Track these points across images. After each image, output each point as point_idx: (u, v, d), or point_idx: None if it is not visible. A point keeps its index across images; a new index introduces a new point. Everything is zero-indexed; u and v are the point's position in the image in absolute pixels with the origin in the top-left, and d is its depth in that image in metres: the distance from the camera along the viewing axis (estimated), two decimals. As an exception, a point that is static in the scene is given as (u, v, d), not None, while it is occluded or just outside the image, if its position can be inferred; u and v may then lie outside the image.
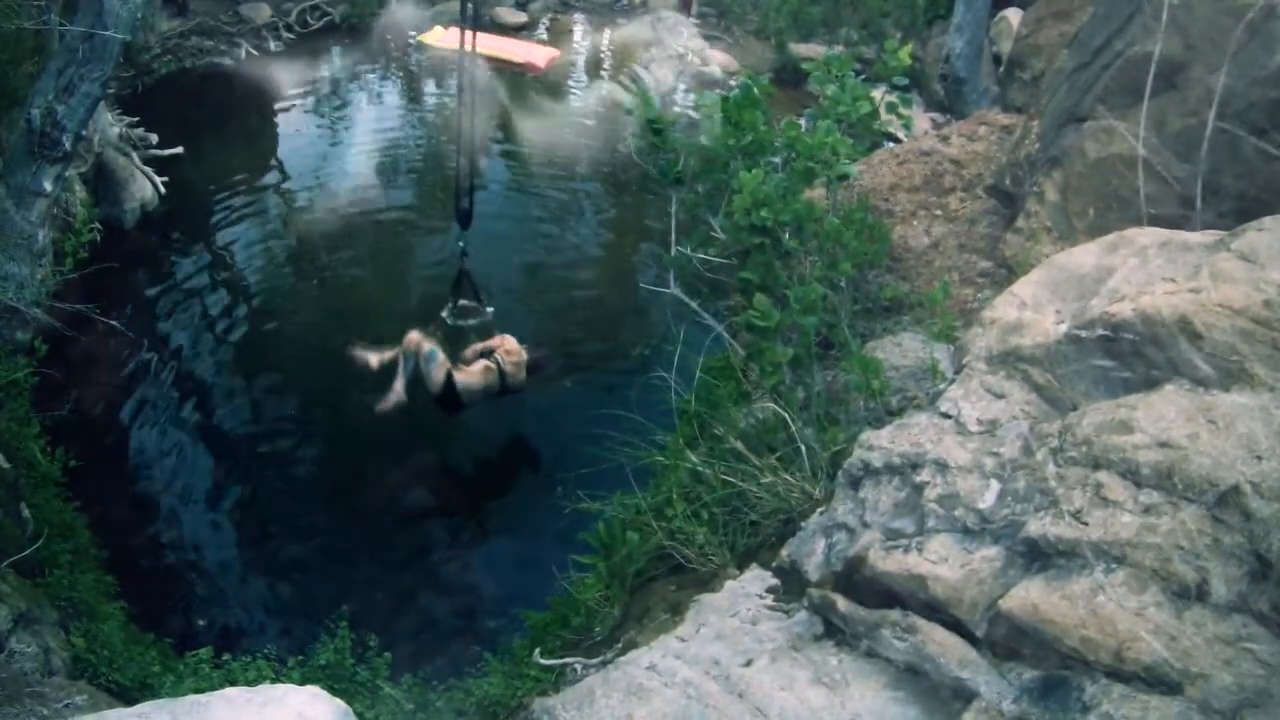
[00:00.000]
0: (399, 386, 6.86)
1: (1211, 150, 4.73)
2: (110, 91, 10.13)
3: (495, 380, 6.79)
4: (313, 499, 7.33)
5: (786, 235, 5.46)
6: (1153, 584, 2.41)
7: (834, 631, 3.22)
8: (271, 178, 11.49)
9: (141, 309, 8.91)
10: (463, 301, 6.99)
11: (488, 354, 6.81)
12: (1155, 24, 5.03)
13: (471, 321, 6.95)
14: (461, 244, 6.72)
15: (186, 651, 5.42)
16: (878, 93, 5.97)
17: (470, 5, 6.68)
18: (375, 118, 12.98)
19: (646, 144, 6.27)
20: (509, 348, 6.86)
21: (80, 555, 5.96)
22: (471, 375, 6.72)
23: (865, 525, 3.30)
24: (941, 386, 3.59)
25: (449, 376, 6.63)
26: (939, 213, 7.16)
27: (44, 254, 7.22)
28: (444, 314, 7.01)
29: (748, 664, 3.21)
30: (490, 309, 7.04)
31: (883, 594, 3.01)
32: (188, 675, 5.05)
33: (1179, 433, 2.56)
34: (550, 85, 13.78)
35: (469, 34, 6.47)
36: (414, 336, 6.81)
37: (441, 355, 6.69)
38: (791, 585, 3.69)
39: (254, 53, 13.83)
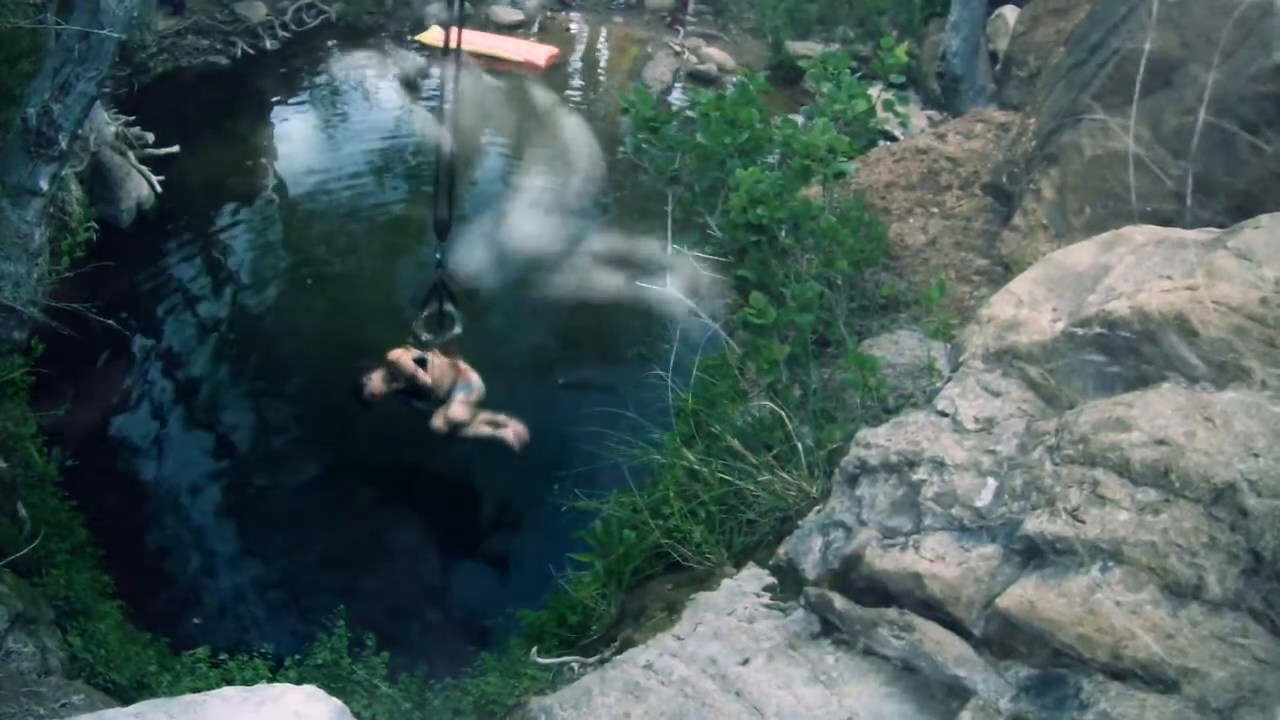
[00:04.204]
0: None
1: (1204, 146, 4.73)
2: (106, 90, 10.10)
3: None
4: (310, 498, 7.32)
5: (783, 233, 5.46)
6: (1149, 582, 2.42)
7: (831, 630, 3.22)
8: (268, 176, 11.45)
9: (138, 308, 8.89)
10: (431, 312, 6.61)
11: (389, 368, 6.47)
12: (1151, 21, 5.03)
13: (447, 335, 6.68)
14: (438, 255, 6.47)
15: (183, 651, 5.40)
16: (874, 90, 5.96)
17: (456, 3, 6.55)
18: (371, 117, 12.96)
19: (642, 142, 6.26)
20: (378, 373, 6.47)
21: (77, 554, 5.95)
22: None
23: (862, 523, 3.30)
24: (938, 384, 3.59)
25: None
26: (935, 210, 7.15)
27: (40, 253, 7.19)
28: (415, 326, 6.66)
29: (744, 662, 3.21)
30: (458, 329, 6.64)
31: (879, 592, 3.01)
32: (185, 674, 5.03)
33: (1175, 430, 2.56)
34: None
35: (454, 34, 6.33)
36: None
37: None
38: (788, 583, 3.68)
39: (250, 51, 13.79)
